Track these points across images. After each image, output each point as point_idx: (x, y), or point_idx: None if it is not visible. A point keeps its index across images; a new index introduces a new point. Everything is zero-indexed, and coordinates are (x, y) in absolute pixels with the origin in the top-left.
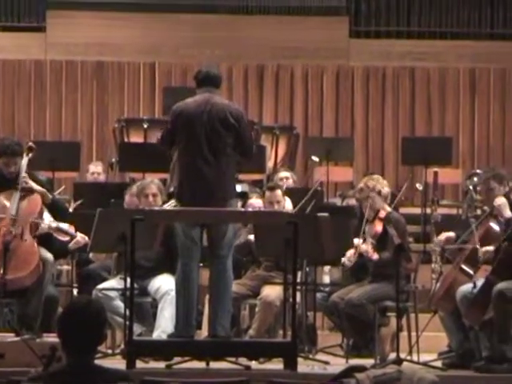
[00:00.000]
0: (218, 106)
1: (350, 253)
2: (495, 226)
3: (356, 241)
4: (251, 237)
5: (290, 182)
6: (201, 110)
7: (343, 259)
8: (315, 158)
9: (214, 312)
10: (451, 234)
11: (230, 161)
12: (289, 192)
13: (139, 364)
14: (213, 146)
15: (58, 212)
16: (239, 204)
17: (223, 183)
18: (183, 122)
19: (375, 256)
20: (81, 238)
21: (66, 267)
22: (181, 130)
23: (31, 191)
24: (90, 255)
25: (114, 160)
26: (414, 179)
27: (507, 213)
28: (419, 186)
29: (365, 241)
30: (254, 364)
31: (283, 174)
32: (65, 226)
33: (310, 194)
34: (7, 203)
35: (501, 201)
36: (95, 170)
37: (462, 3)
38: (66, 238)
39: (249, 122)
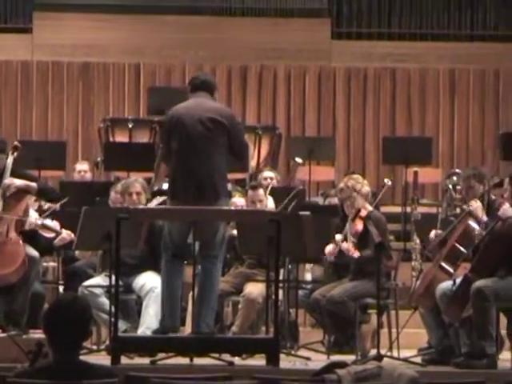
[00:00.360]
0: (210, 108)
1: (329, 248)
2: (474, 225)
3: (337, 236)
4: (234, 232)
5: (274, 182)
6: (193, 112)
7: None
8: (299, 160)
9: (199, 309)
10: (438, 231)
11: (221, 160)
12: (272, 191)
13: (124, 360)
14: (204, 146)
15: (48, 196)
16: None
17: (214, 181)
18: (176, 123)
19: (356, 254)
20: (66, 234)
21: (52, 264)
22: (174, 131)
23: (15, 193)
24: (76, 253)
25: (99, 159)
26: (395, 179)
27: (483, 217)
28: (387, 182)
29: (346, 239)
30: (237, 360)
31: (267, 173)
32: (50, 222)
33: (292, 195)
34: None
35: (476, 205)
36: (81, 169)
37: (442, 5)
38: (52, 235)
39: (240, 123)
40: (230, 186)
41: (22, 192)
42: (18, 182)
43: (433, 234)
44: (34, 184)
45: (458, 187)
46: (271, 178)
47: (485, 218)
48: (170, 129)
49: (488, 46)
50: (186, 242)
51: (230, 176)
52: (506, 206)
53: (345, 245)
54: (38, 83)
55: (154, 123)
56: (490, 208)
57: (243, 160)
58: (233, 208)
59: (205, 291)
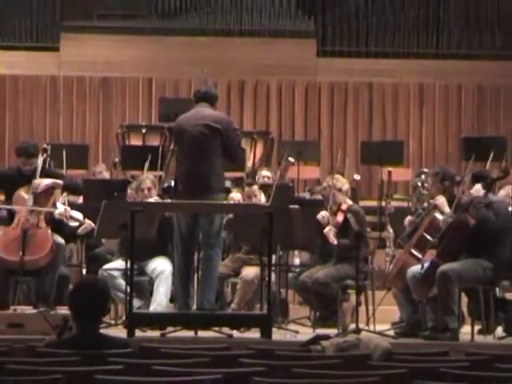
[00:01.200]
0: (207, 116)
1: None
2: (439, 217)
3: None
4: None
5: (270, 180)
6: (192, 120)
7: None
8: (291, 159)
9: (202, 289)
10: (412, 218)
11: (216, 161)
12: (266, 188)
13: (138, 333)
14: (201, 149)
15: (73, 191)
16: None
17: (208, 179)
18: (178, 130)
19: (335, 241)
20: (88, 224)
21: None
22: (177, 137)
23: (44, 191)
24: (103, 240)
25: (117, 160)
26: (371, 177)
27: (446, 209)
28: (356, 177)
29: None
30: (235, 333)
31: (265, 173)
32: (75, 214)
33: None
34: (26, 196)
35: (441, 199)
36: (98, 170)
37: (411, 27)
38: (76, 224)
39: (236, 129)
40: (229, 183)
41: (50, 189)
42: (46, 181)
43: (407, 220)
44: (59, 181)
45: (426, 184)
46: (268, 177)
47: (447, 210)
48: (175, 136)
49: (451, 63)
50: (194, 233)
51: (229, 175)
52: (441, 199)
53: (327, 229)
54: (64, 95)
55: (164, 129)
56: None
57: (237, 161)
58: (231, 202)
59: (206, 274)
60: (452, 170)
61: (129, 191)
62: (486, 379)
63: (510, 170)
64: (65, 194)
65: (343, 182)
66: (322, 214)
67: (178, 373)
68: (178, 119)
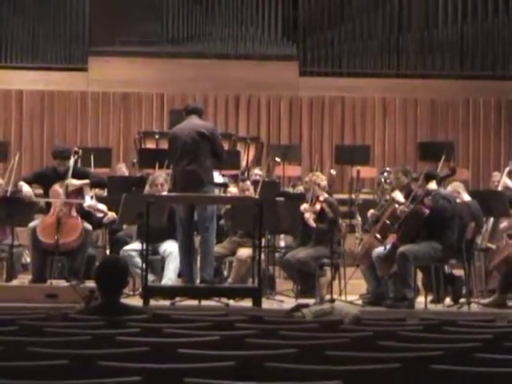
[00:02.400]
0: (197, 125)
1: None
2: (400, 208)
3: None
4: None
5: (260, 177)
6: (185, 129)
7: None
8: (278, 159)
9: (202, 265)
10: (374, 211)
11: (205, 160)
12: (257, 184)
13: (152, 302)
14: (192, 151)
15: (99, 186)
16: (216, 191)
17: (199, 174)
18: (173, 139)
19: (313, 224)
20: (111, 215)
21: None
22: (173, 143)
23: (73, 190)
24: (124, 226)
25: (134, 160)
26: (343, 175)
27: (401, 200)
28: (333, 172)
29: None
30: (231, 302)
31: (256, 171)
32: (100, 205)
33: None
34: (60, 190)
35: (396, 194)
36: (119, 168)
37: (376, 52)
38: (101, 215)
39: (226, 135)
40: (226, 179)
41: (79, 188)
42: (76, 182)
43: (370, 212)
44: (87, 181)
45: (388, 180)
46: (260, 175)
47: (402, 201)
48: (171, 142)
49: (409, 81)
50: (192, 218)
51: (227, 172)
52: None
53: (307, 215)
54: (92, 107)
55: None
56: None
57: (223, 159)
58: (229, 195)
59: (205, 252)
60: (410, 168)
61: (147, 187)
62: (436, 340)
63: (456, 169)
64: (92, 189)
65: (322, 179)
66: (304, 206)
67: (185, 334)
68: (173, 129)
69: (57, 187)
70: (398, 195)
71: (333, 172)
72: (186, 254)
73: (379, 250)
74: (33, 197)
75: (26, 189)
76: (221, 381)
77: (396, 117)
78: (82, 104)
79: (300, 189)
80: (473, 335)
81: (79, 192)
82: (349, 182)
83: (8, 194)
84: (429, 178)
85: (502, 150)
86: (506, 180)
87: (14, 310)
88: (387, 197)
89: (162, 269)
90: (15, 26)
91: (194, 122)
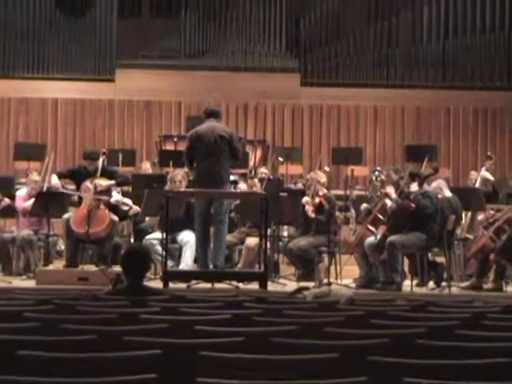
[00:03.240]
0: (218, 128)
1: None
2: (388, 202)
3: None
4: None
5: (266, 175)
6: (207, 131)
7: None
8: (281, 159)
9: (215, 253)
10: (366, 205)
11: (225, 161)
12: (263, 181)
13: (171, 285)
14: (214, 152)
15: (124, 184)
16: (231, 187)
17: (221, 173)
18: (196, 139)
19: (312, 215)
20: (135, 208)
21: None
22: (195, 144)
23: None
24: (146, 219)
25: (156, 160)
26: (339, 173)
27: (393, 196)
28: (327, 169)
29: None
30: (241, 285)
31: (263, 170)
32: (126, 200)
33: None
34: (90, 186)
35: (389, 189)
36: (145, 167)
37: (368, 65)
38: (127, 208)
39: (238, 138)
40: (237, 177)
41: (106, 188)
42: (104, 183)
43: (363, 206)
44: (113, 182)
45: (379, 178)
46: (266, 173)
47: (394, 196)
48: (193, 141)
49: (397, 91)
50: (209, 212)
51: (237, 171)
52: (390, 188)
53: (307, 207)
54: (118, 113)
55: None
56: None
57: (239, 160)
58: (239, 191)
59: (218, 241)
60: (400, 168)
61: (168, 184)
62: (421, 319)
63: (438, 169)
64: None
65: (322, 176)
66: (306, 199)
67: (200, 313)
68: (196, 129)
69: (87, 183)
70: (391, 191)
71: (327, 169)
72: (203, 242)
73: (371, 239)
74: (60, 188)
75: (54, 181)
76: (231, 354)
77: (385, 122)
78: (110, 111)
79: (300, 185)
80: (453, 314)
81: (108, 189)
82: (344, 180)
83: (44, 189)
84: (412, 176)
85: (478, 151)
86: (485, 173)
87: (50, 291)
88: (378, 193)
89: (180, 255)
90: (52, 43)
91: (215, 125)
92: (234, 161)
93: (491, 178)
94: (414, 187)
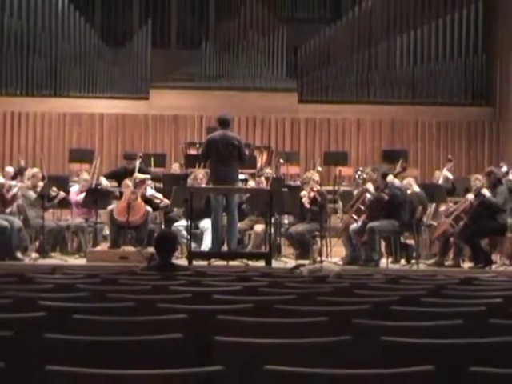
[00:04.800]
0: (229, 136)
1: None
2: (368, 196)
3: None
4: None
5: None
6: (220, 138)
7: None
8: (282, 161)
9: (229, 237)
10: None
11: (235, 163)
12: (268, 179)
13: (194, 262)
14: (226, 156)
15: (155, 180)
16: (240, 184)
17: (232, 174)
18: (212, 144)
19: (308, 206)
20: (166, 201)
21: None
22: (211, 149)
23: (138, 183)
24: (175, 209)
25: (182, 162)
26: (330, 173)
27: (372, 191)
28: (319, 169)
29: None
30: (250, 262)
31: (268, 170)
32: (158, 194)
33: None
34: (129, 183)
35: (368, 186)
36: (174, 167)
37: (353, 85)
38: (159, 201)
39: (246, 144)
40: (247, 176)
41: (142, 181)
42: (141, 176)
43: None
44: (148, 176)
45: (361, 177)
46: (270, 173)
47: (373, 191)
48: (210, 145)
49: (376, 107)
50: (222, 204)
51: (247, 171)
52: (369, 185)
53: (304, 200)
54: (152, 125)
55: None
56: (377, 186)
57: (245, 162)
58: (249, 187)
59: (231, 228)
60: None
61: (189, 181)
62: (395, 289)
63: (406, 168)
64: (152, 182)
65: (316, 175)
66: (303, 193)
67: (218, 285)
68: (212, 135)
69: (127, 181)
70: (370, 186)
71: (319, 168)
72: (217, 228)
73: (354, 225)
74: (108, 187)
75: (104, 182)
76: (242, 317)
77: (366, 132)
78: (145, 123)
79: (298, 182)
80: (420, 285)
81: (143, 184)
82: (333, 178)
83: (93, 186)
84: (384, 175)
85: (440, 155)
86: (446, 173)
87: (97, 267)
88: (360, 188)
89: (201, 239)
90: (99, 68)
91: (227, 134)
92: (241, 163)
93: (451, 176)
94: (390, 178)
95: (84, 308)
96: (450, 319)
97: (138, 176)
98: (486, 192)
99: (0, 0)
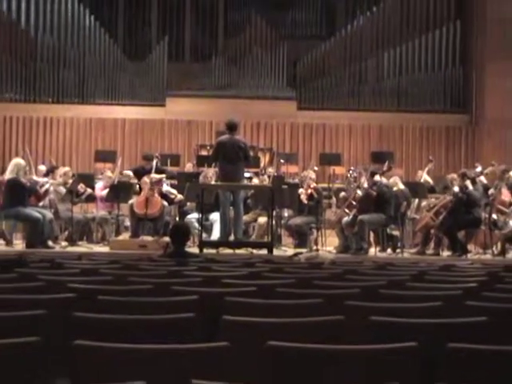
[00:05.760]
0: (236, 139)
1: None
2: (359, 192)
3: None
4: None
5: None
6: (228, 141)
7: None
8: (282, 161)
9: (235, 228)
10: (343, 194)
11: (241, 163)
12: (270, 177)
13: (204, 250)
14: (233, 157)
15: (172, 178)
16: (245, 181)
17: (238, 172)
18: (221, 146)
19: (305, 202)
20: (180, 197)
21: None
22: (219, 150)
23: (155, 181)
24: (188, 204)
25: (194, 162)
26: (324, 172)
27: (365, 185)
28: (316, 168)
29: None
30: (254, 251)
31: (270, 169)
32: (173, 190)
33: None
34: (147, 180)
35: (362, 182)
36: (188, 167)
37: (344, 95)
38: (173, 196)
39: (251, 146)
40: (252, 174)
41: (159, 179)
42: (157, 176)
43: (340, 195)
44: (163, 175)
45: (353, 175)
46: (272, 172)
47: (366, 186)
48: (219, 148)
49: (366, 114)
50: (230, 199)
51: (252, 170)
52: (363, 179)
53: (302, 196)
54: (167, 129)
55: None
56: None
57: (250, 162)
58: (253, 184)
59: (237, 220)
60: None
61: (201, 178)
62: (382, 275)
63: (392, 167)
64: (168, 180)
65: (312, 174)
66: (301, 190)
67: (225, 270)
68: (221, 138)
69: (145, 178)
70: (362, 184)
71: (316, 168)
72: (225, 220)
73: (346, 218)
74: (131, 178)
75: (129, 173)
76: (247, 299)
77: (357, 136)
78: (161, 127)
79: (296, 180)
80: (405, 271)
81: (159, 183)
82: (328, 176)
83: (115, 182)
84: (372, 174)
85: (422, 157)
86: (425, 176)
87: (119, 254)
88: (351, 185)
89: (211, 230)
90: (121, 79)
91: (234, 137)
92: (246, 163)
93: (431, 181)
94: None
95: (107, 290)
96: (431, 301)
97: (155, 176)
98: (468, 184)
99: (35, 20)
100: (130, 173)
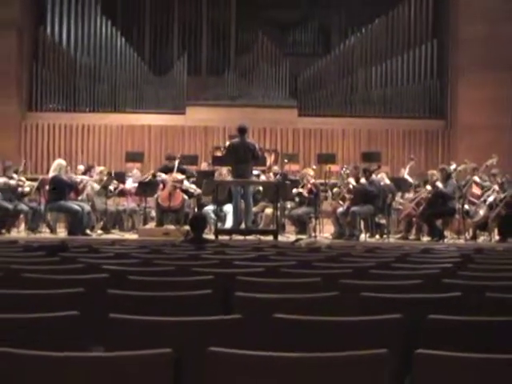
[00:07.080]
0: (246, 142)
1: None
2: (351, 186)
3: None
4: (261, 188)
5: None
6: (240, 144)
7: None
8: (286, 160)
9: (246, 218)
10: (337, 189)
11: (250, 163)
12: (275, 174)
13: (220, 237)
14: (243, 158)
15: (191, 176)
16: (254, 178)
17: (248, 171)
18: (232, 149)
19: (306, 195)
20: (198, 191)
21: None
22: (231, 152)
23: (177, 180)
24: (205, 197)
25: (210, 162)
26: (321, 170)
27: (353, 183)
28: (314, 167)
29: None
30: (262, 237)
31: (275, 168)
32: (193, 186)
33: (277, 177)
34: (170, 178)
35: (350, 180)
36: (203, 166)
37: (338, 104)
38: (193, 191)
39: (259, 148)
40: (259, 172)
41: (180, 180)
42: (178, 177)
43: (335, 190)
44: (183, 176)
45: (346, 172)
46: (277, 170)
47: (353, 184)
48: (230, 150)
49: (357, 120)
50: (241, 192)
51: (260, 168)
52: (351, 179)
53: (302, 191)
54: (187, 134)
55: None
56: (357, 180)
57: (260, 161)
58: (261, 180)
59: (247, 211)
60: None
61: (216, 175)
62: (371, 257)
63: (381, 166)
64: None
65: (311, 171)
66: (299, 189)
67: (237, 254)
68: (233, 141)
69: (169, 177)
70: (352, 180)
71: (314, 167)
72: (236, 211)
73: (341, 209)
74: (164, 178)
75: (163, 176)
76: (256, 278)
77: (349, 139)
78: (182, 132)
79: (297, 177)
80: (390, 254)
81: (180, 181)
82: (324, 173)
83: (144, 180)
84: (364, 171)
85: (405, 156)
86: (405, 175)
87: (146, 241)
88: (345, 181)
89: (225, 219)
90: (147, 91)
91: (245, 140)
92: (255, 162)
93: (411, 180)
94: (363, 180)
95: (136, 271)
96: (413, 279)
97: (176, 177)
98: (439, 184)
99: (75, 42)
100: (163, 174)
